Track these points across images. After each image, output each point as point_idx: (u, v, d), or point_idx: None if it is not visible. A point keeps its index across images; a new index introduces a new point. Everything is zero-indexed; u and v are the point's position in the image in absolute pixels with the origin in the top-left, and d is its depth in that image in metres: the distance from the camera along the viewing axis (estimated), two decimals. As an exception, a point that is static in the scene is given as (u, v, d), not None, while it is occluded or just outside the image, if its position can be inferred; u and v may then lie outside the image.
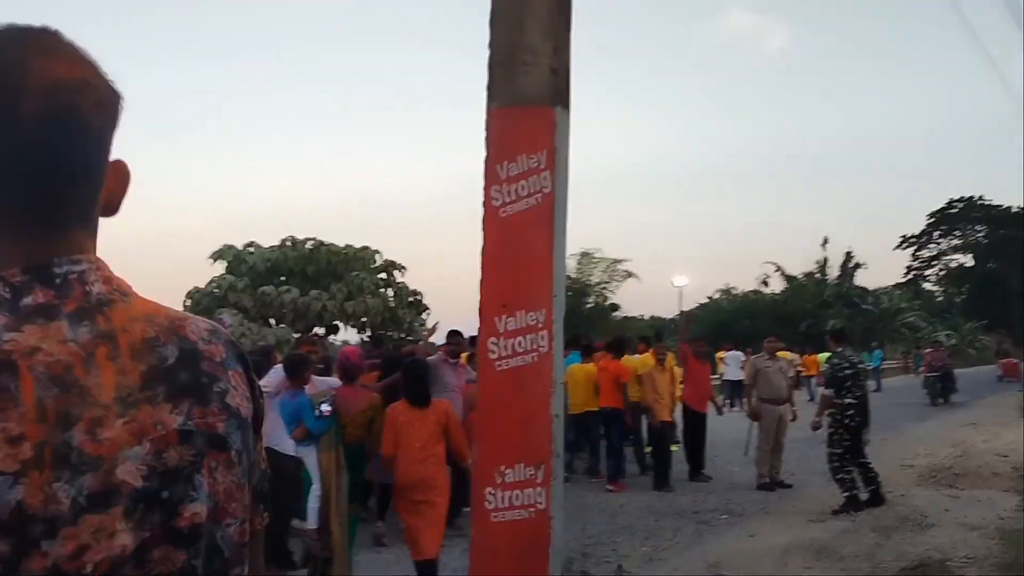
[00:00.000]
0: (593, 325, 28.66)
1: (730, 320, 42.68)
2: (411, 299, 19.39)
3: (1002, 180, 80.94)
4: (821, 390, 9.76)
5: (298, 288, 17.90)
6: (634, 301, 68.73)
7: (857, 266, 44.03)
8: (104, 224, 0.97)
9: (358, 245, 19.57)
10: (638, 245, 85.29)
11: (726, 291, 47.49)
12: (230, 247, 18.94)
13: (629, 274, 32.12)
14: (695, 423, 11.78)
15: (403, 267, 20.05)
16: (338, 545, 5.87)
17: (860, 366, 9.34)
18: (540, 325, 3.55)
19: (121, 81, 0.96)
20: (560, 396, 3.92)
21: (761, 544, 7.87)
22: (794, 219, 72.01)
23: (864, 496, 9.10)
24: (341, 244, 19.29)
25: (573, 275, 31.51)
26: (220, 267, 18.97)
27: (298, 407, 6.03)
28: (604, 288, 32.23)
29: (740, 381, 21.16)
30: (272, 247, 18.92)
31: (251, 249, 18.79)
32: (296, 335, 17.56)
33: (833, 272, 44.71)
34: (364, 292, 18.20)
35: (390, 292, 19.33)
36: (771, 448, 10.82)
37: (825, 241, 45.18)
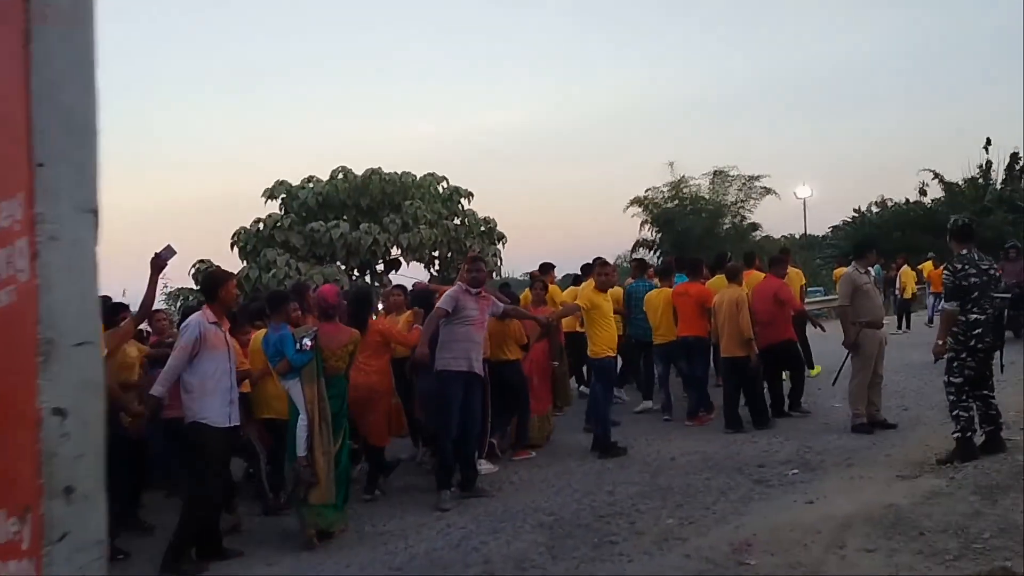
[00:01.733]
0: (732, 247, 26.66)
1: (879, 233, 38.87)
2: (483, 228, 17.58)
3: None
4: (942, 305, 7.47)
5: (352, 222, 16.33)
6: (775, 220, 64.94)
7: (1026, 167, 38.96)
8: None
9: (420, 174, 17.79)
10: (778, 162, 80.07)
11: (881, 203, 43.22)
12: (282, 183, 17.47)
13: (767, 191, 29.39)
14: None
15: (470, 193, 18.23)
16: (322, 471, 6.14)
17: (991, 272, 7.01)
18: (16, 226, 1.66)
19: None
20: (80, 371, 1.81)
21: (817, 513, 5.95)
22: (955, 123, 65.39)
23: (979, 440, 6.92)
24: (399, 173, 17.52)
25: (707, 195, 29.26)
26: (274, 207, 17.55)
27: (280, 340, 6.30)
28: (741, 207, 29.62)
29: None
30: (325, 181, 17.40)
31: (311, 184, 17.35)
32: (354, 274, 16.35)
33: (999, 177, 39.74)
34: (419, 222, 16.41)
35: (457, 221, 17.51)
36: (870, 382, 8.63)
37: (988, 143, 40.21)
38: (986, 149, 40.35)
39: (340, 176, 17.36)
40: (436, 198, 17.74)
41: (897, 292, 19.77)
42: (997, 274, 7.15)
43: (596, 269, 8.97)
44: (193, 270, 15.61)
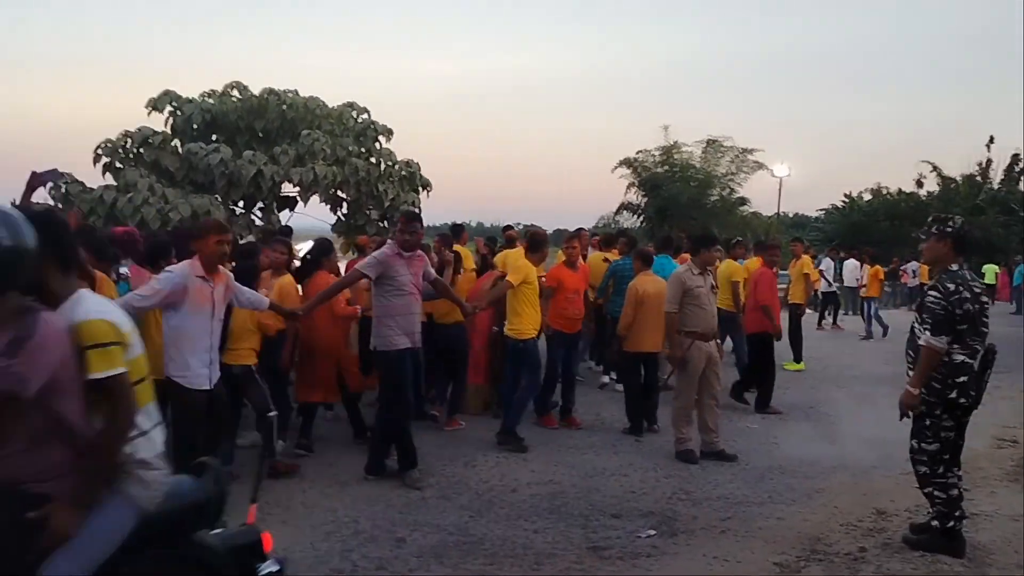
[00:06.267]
0: (717, 220, 25.59)
1: (867, 222, 37.16)
2: (403, 172, 15.35)
3: None
4: (926, 337, 5.21)
5: (244, 148, 13.99)
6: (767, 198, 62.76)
7: (1025, 170, 37.03)
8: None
9: (334, 101, 15.44)
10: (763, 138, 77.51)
11: (876, 190, 41.44)
12: (168, 93, 14.88)
13: (759, 165, 27.64)
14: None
15: (389, 131, 15.96)
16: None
17: (983, 299, 5.04)
18: None
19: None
20: None
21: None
22: (960, 117, 62.92)
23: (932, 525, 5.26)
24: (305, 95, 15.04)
25: (698, 164, 27.42)
26: (159, 121, 15.02)
27: None
28: (731, 180, 27.80)
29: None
30: (214, 94, 14.88)
31: (210, 100, 14.92)
32: (237, 209, 14.06)
33: (997, 176, 37.89)
34: (316, 157, 14.11)
35: (373, 160, 15.23)
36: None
37: (991, 141, 38.31)
38: (988, 147, 38.60)
39: (234, 93, 15.03)
40: (349, 132, 15.50)
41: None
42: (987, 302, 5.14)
43: (537, 244, 8.03)
44: (51, 185, 13.36)
